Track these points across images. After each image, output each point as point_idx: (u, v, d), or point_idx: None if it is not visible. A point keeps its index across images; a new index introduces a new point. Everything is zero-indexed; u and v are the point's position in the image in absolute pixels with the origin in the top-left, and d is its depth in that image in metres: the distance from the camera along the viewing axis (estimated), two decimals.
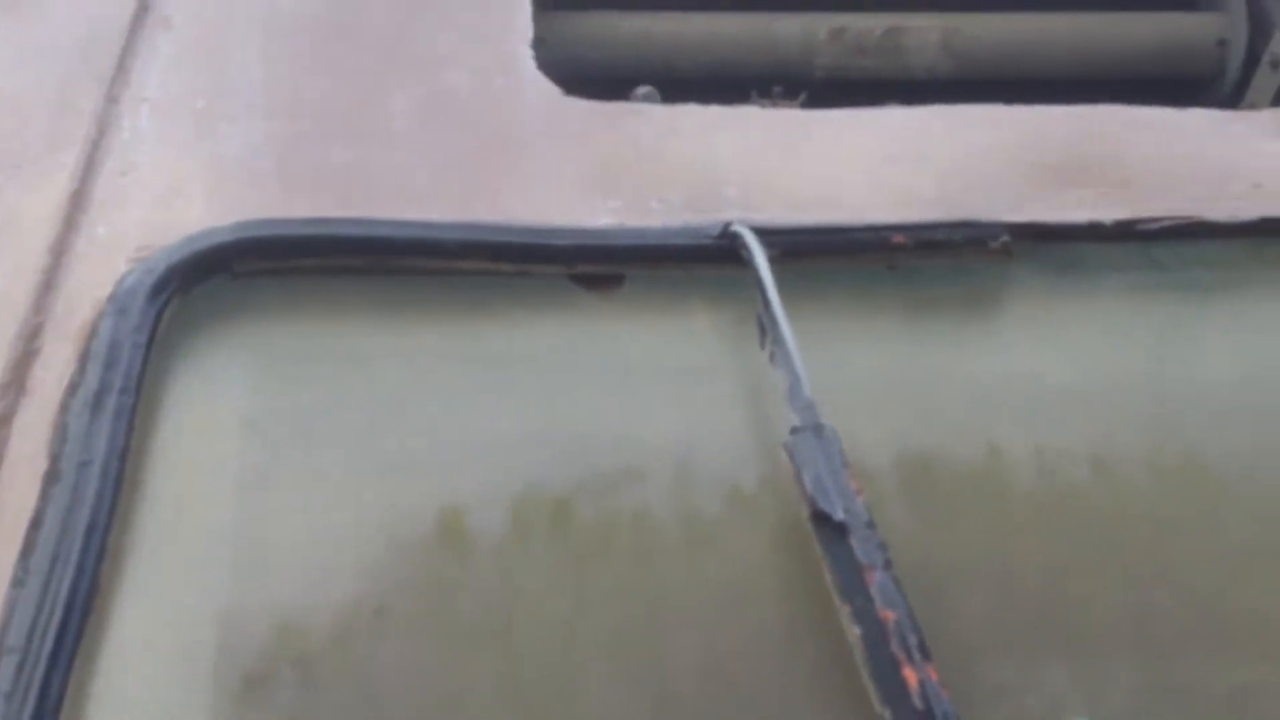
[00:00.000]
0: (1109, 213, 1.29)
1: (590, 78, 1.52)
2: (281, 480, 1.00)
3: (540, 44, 1.48)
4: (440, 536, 0.99)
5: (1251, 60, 1.75)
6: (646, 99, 1.57)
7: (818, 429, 1.04)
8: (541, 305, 1.20)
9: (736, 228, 1.24)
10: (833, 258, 1.27)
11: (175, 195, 1.20)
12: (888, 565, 0.94)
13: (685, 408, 1.13)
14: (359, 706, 0.87)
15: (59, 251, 1.11)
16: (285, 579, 0.93)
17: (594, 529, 1.01)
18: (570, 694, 0.91)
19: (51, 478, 0.91)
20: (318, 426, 1.05)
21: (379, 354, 1.13)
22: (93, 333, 1.03)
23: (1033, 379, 1.19)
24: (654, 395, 1.14)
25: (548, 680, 0.91)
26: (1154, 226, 1.28)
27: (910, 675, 0.87)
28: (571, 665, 0.92)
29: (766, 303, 1.17)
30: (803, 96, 1.64)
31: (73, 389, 0.98)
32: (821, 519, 0.97)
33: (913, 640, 0.89)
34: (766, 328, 1.16)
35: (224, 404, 1.05)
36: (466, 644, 0.92)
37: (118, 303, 1.05)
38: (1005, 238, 1.26)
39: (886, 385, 1.18)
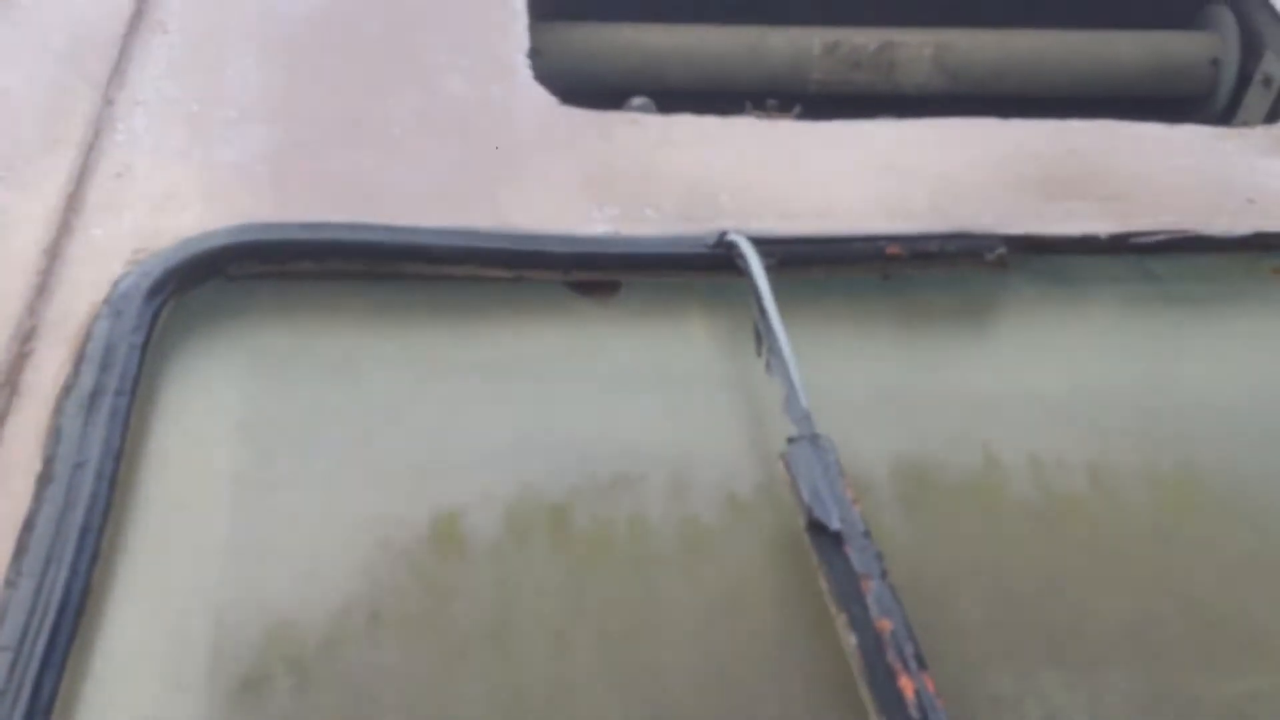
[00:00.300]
0: (1103, 225, 1.30)
1: (586, 89, 1.53)
2: (276, 484, 0.99)
3: (536, 54, 1.48)
4: (435, 541, 0.98)
5: (1243, 79, 1.77)
6: (642, 109, 1.58)
7: (814, 439, 1.04)
8: (537, 311, 1.20)
9: (732, 236, 1.24)
10: (827, 267, 1.27)
11: (170, 199, 1.20)
12: (884, 574, 0.94)
13: (681, 415, 1.13)
14: (354, 710, 0.86)
15: (53, 254, 1.10)
16: (280, 582, 0.93)
17: (590, 535, 1.01)
18: (564, 700, 0.90)
19: (45, 479, 0.90)
20: (312, 430, 1.05)
21: (374, 358, 1.13)
22: (88, 335, 1.02)
23: (1028, 389, 1.19)
24: (650, 402, 1.14)
25: (542, 686, 0.91)
26: (1148, 240, 1.29)
27: (907, 685, 0.87)
28: (566, 671, 0.92)
29: (763, 311, 1.17)
30: (797, 109, 1.65)
31: (67, 390, 0.97)
32: (818, 528, 0.97)
33: (909, 650, 0.89)
34: (763, 336, 1.17)
35: (219, 407, 1.05)
36: (461, 649, 0.91)
37: (113, 305, 1.05)
38: (1001, 249, 1.27)
39: (882, 395, 1.18)
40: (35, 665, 0.79)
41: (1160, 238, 1.29)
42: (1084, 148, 1.41)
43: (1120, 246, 1.29)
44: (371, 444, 1.04)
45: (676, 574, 0.99)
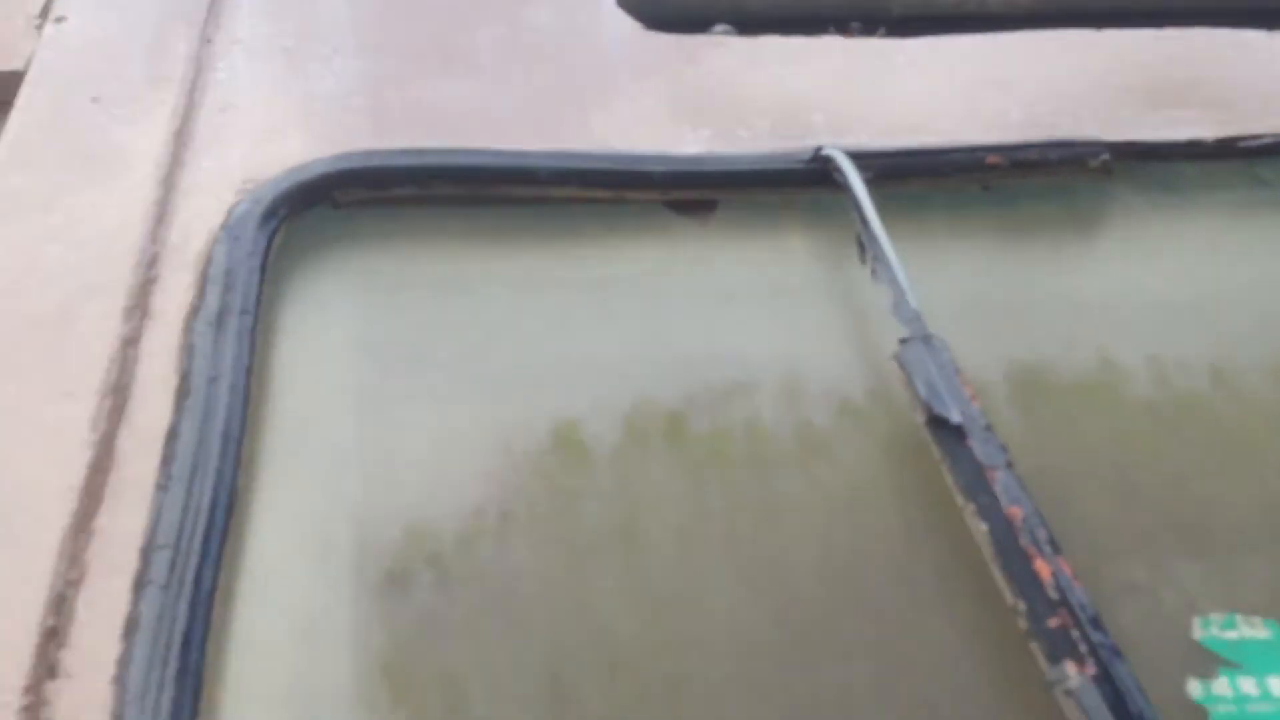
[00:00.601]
0: (1208, 131, 1.28)
1: (665, 19, 1.52)
2: (397, 396, 1.02)
3: None
4: (557, 447, 1.00)
5: None
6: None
7: (926, 338, 1.04)
8: (636, 231, 1.21)
9: (829, 151, 1.24)
10: (926, 179, 1.27)
11: (272, 131, 1.22)
12: (1009, 465, 0.94)
13: (787, 325, 1.14)
14: (492, 603, 0.88)
15: (169, 185, 1.13)
16: (411, 487, 0.95)
17: (707, 439, 1.02)
18: (694, 594, 0.91)
19: (183, 393, 0.93)
20: (427, 346, 1.07)
21: (481, 278, 1.14)
22: (209, 259, 1.05)
23: (1140, 293, 1.18)
24: (755, 314, 1.15)
25: (671, 582, 0.92)
26: (1255, 144, 1.27)
27: (1043, 568, 0.87)
28: (694, 568, 0.93)
29: (864, 221, 1.17)
30: (881, 31, 1.63)
31: (194, 311, 1.00)
32: (938, 423, 0.97)
33: (1042, 534, 0.89)
34: (866, 245, 1.17)
35: (336, 326, 1.07)
36: (591, 547, 0.93)
37: (231, 230, 1.07)
38: (1105, 156, 1.26)
39: (988, 302, 1.18)
40: (194, 560, 0.82)
41: (1268, 140, 1.27)
42: (1183, 55, 1.39)
43: (1227, 151, 1.27)
44: (486, 359, 1.06)
45: (795, 475, 1.00)
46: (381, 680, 0.83)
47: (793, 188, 1.25)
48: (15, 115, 1.19)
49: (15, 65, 1.26)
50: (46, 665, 0.76)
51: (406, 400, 1.01)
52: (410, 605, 0.87)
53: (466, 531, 0.92)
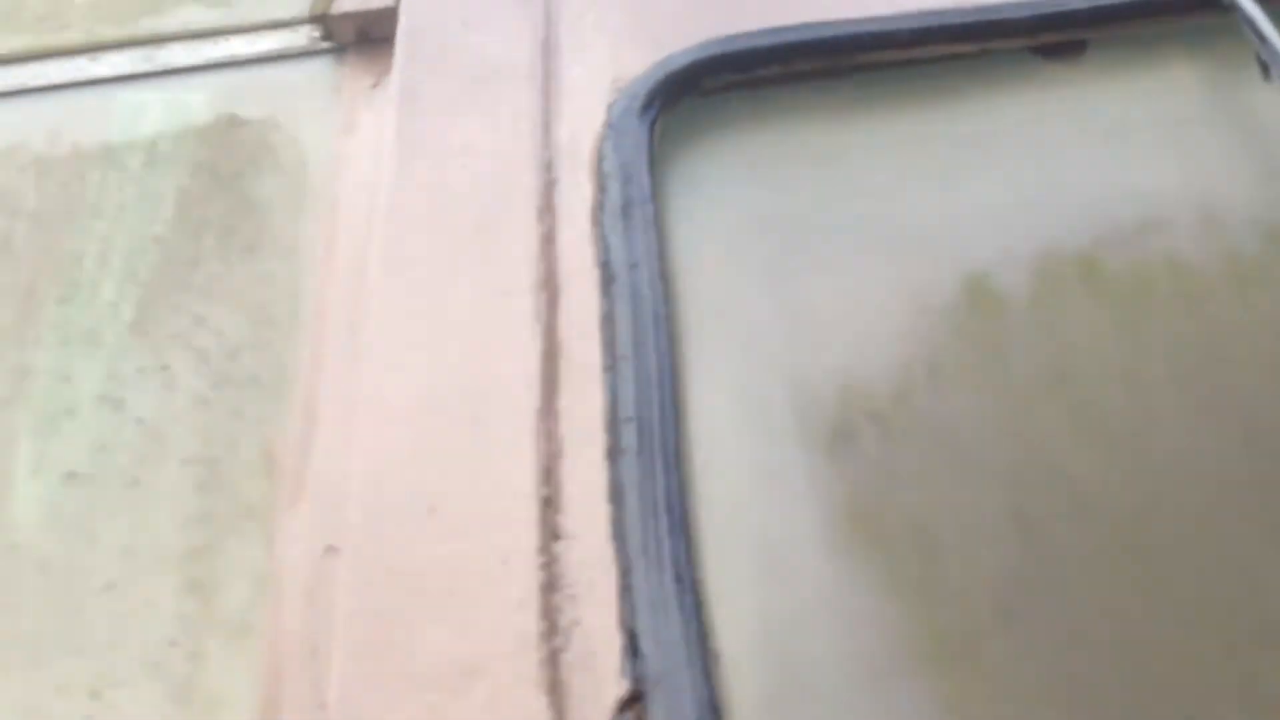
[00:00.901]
0: None
1: None
2: (802, 265, 1.04)
3: None
4: (971, 300, 0.99)
5: None
6: None
7: None
8: (1007, 81, 1.18)
9: None
10: None
11: (629, 30, 1.25)
12: None
13: (1189, 156, 1.08)
14: (943, 452, 0.90)
15: (548, 93, 1.18)
16: (834, 349, 0.97)
17: (1128, 279, 0.99)
18: (1148, 428, 0.90)
19: (608, 280, 0.98)
20: (820, 217, 1.08)
21: (858, 147, 1.14)
22: (600, 156, 1.09)
23: None
24: (1151, 148, 1.10)
25: (1121, 418, 0.91)
26: None
27: None
28: (1141, 403, 0.91)
29: (1263, 37, 1.09)
30: None
31: (599, 205, 1.05)
32: None
33: None
34: (1269, 63, 1.09)
35: (727, 206, 1.10)
36: (1028, 392, 0.93)
37: (615, 127, 1.12)
38: None
39: None
40: (658, 429, 0.87)
41: None
42: None
43: None
44: (882, 222, 1.06)
45: (1233, 305, 0.96)
46: (851, 529, 0.86)
47: (1170, 16, 1.19)
48: (399, 49, 1.27)
49: (388, 2, 1.34)
50: (550, 529, 0.83)
51: (813, 269, 1.03)
52: (863, 458, 0.89)
53: (899, 387, 0.94)
